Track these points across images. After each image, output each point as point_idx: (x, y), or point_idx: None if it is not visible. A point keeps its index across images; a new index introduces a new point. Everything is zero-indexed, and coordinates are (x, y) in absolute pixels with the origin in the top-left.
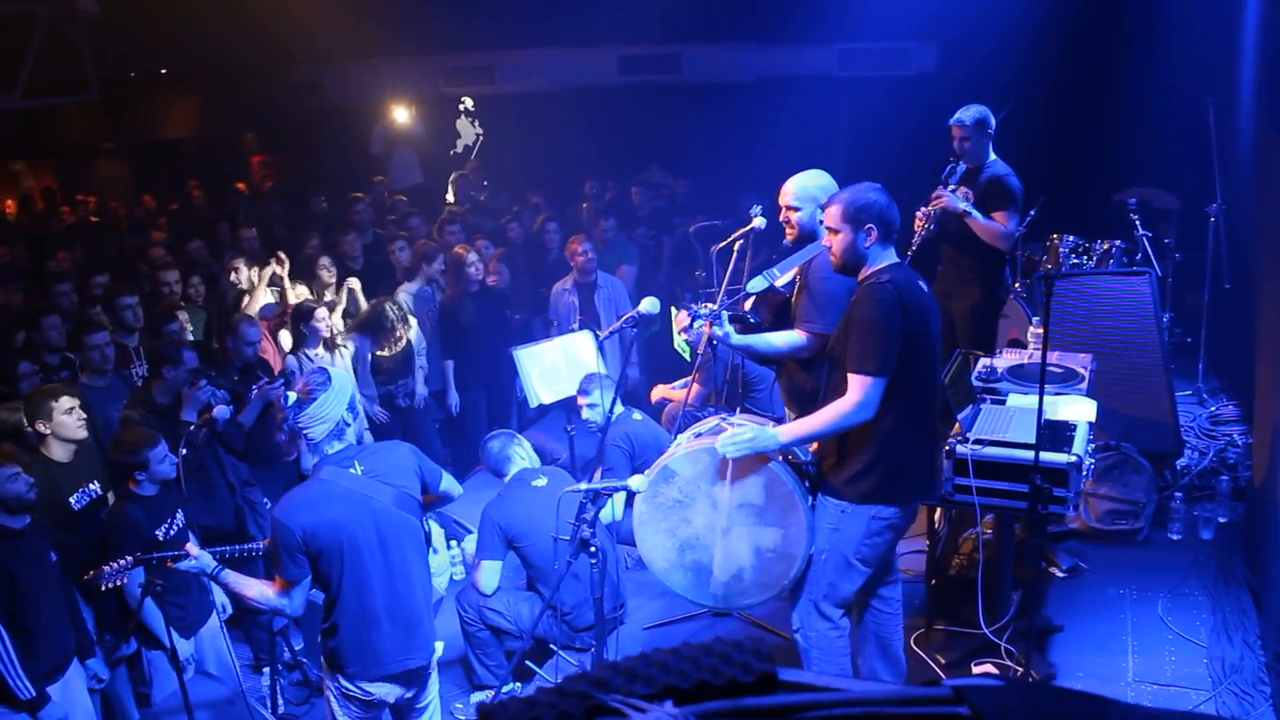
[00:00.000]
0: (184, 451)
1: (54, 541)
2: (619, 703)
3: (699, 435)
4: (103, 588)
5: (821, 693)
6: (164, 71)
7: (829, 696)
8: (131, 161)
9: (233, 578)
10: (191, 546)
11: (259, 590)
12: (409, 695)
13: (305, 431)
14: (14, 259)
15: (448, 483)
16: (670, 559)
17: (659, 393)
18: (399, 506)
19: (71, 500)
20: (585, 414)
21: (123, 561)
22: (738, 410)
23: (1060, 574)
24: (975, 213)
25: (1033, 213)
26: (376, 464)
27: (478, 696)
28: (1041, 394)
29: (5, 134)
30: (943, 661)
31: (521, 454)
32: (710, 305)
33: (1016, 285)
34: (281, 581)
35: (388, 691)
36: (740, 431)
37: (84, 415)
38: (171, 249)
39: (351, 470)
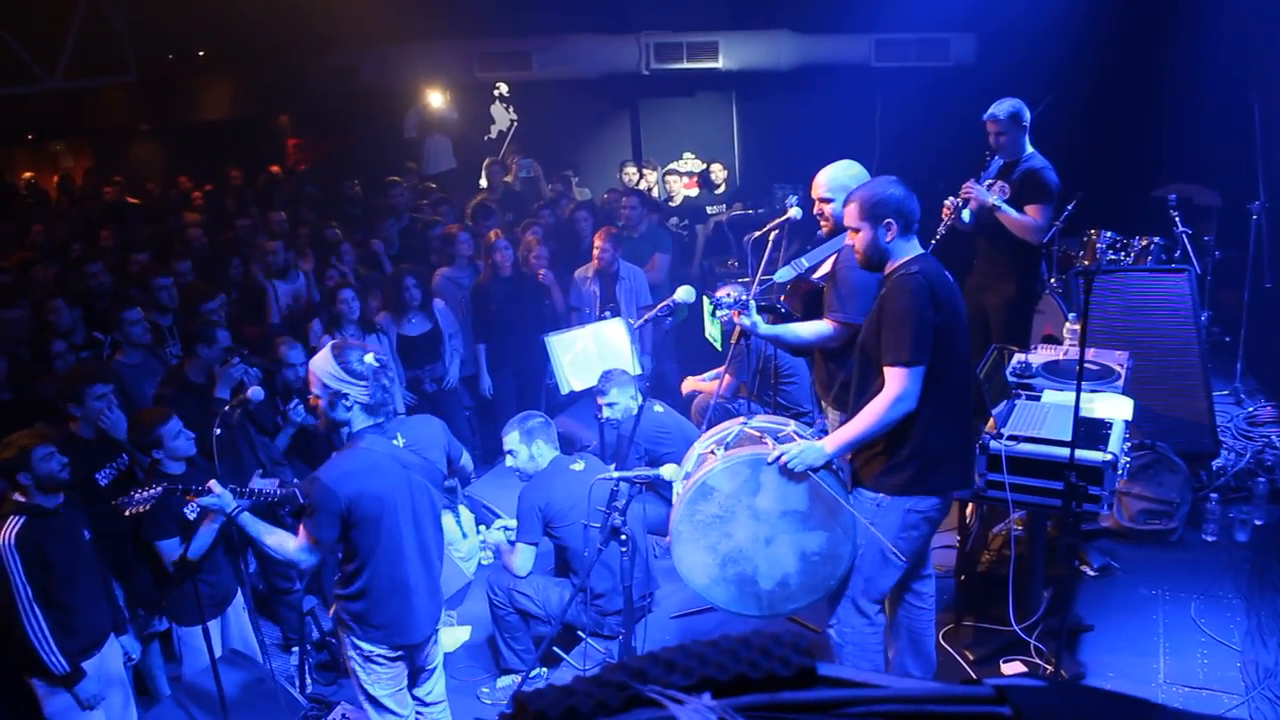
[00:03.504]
0: (218, 431)
1: (88, 519)
2: (657, 694)
3: (726, 444)
4: (126, 512)
5: (861, 689)
6: (201, 54)
7: (869, 693)
8: (168, 143)
9: (251, 521)
10: (214, 484)
11: (278, 539)
12: (420, 658)
13: (344, 398)
14: (50, 238)
15: (467, 459)
16: (713, 575)
17: (689, 385)
18: (429, 479)
19: (99, 476)
20: (605, 413)
21: (151, 490)
22: (769, 405)
23: (1092, 573)
24: (1005, 206)
25: (1070, 208)
26: (414, 436)
27: (504, 681)
28: (1079, 390)
29: (45, 115)
30: (971, 658)
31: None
32: (733, 293)
33: (1052, 281)
34: (311, 538)
35: (406, 655)
36: (788, 448)
37: (114, 401)
38: (207, 230)
39: (394, 441)
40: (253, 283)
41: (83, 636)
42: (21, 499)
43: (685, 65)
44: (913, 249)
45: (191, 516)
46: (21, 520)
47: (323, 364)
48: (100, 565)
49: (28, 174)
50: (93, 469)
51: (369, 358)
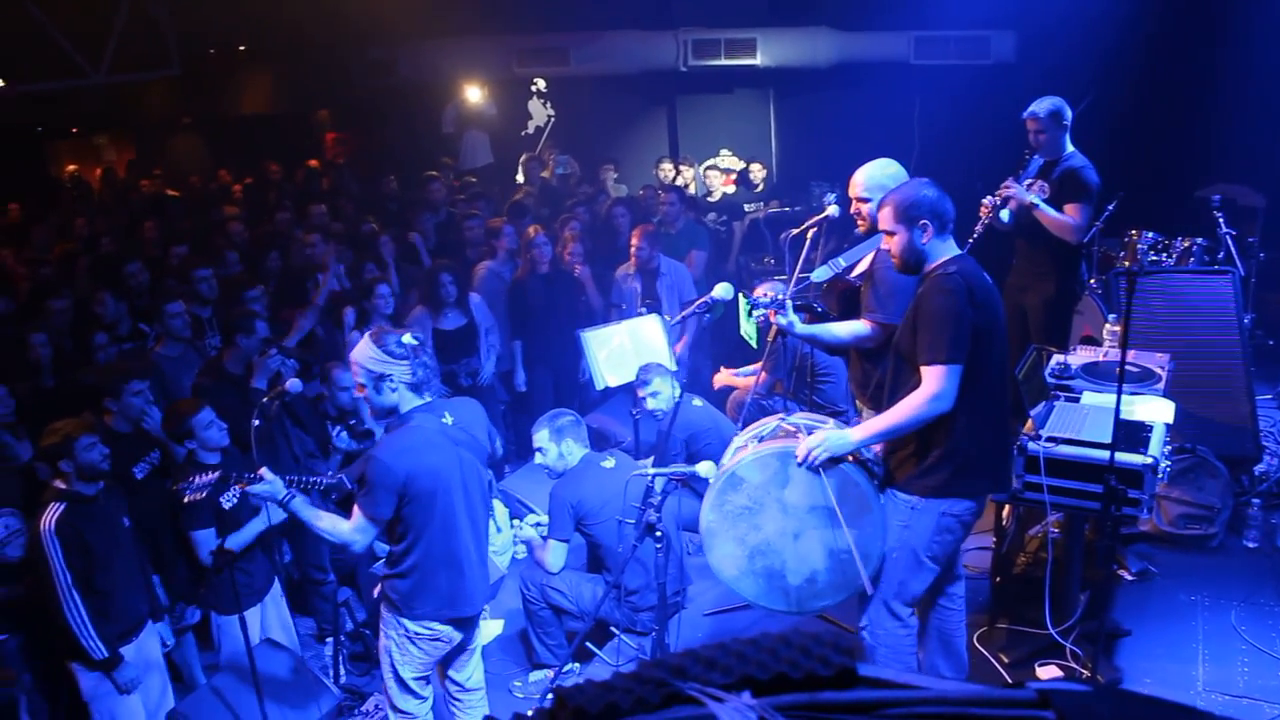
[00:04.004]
0: (257, 422)
1: (127, 508)
2: (696, 691)
3: (761, 438)
4: (186, 498)
5: (902, 690)
6: (242, 48)
7: (910, 694)
8: (209, 136)
9: (303, 507)
10: (265, 471)
11: (330, 522)
12: (463, 638)
13: (388, 379)
14: (93, 231)
15: (500, 445)
16: (741, 567)
17: (722, 378)
18: (478, 457)
19: (135, 470)
20: (649, 404)
21: (209, 476)
22: (805, 403)
23: (1129, 577)
24: (1043, 205)
25: (1110, 207)
26: (461, 415)
27: (536, 675)
28: (1120, 392)
29: (90, 108)
30: (1005, 660)
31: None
32: (770, 291)
33: (1091, 281)
34: (366, 516)
35: (451, 634)
36: (813, 439)
37: (150, 396)
38: (246, 223)
39: (444, 419)
40: (293, 270)
41: (121, 622)
42: (62, 486)
43: (723, 62)
44: (949, 249)
45: (227, 507)
46: (62, 507)
47: (363, 351)
48: (138, 553)
49: (72, 167)
50: (129, 462)
51: (406, 338)
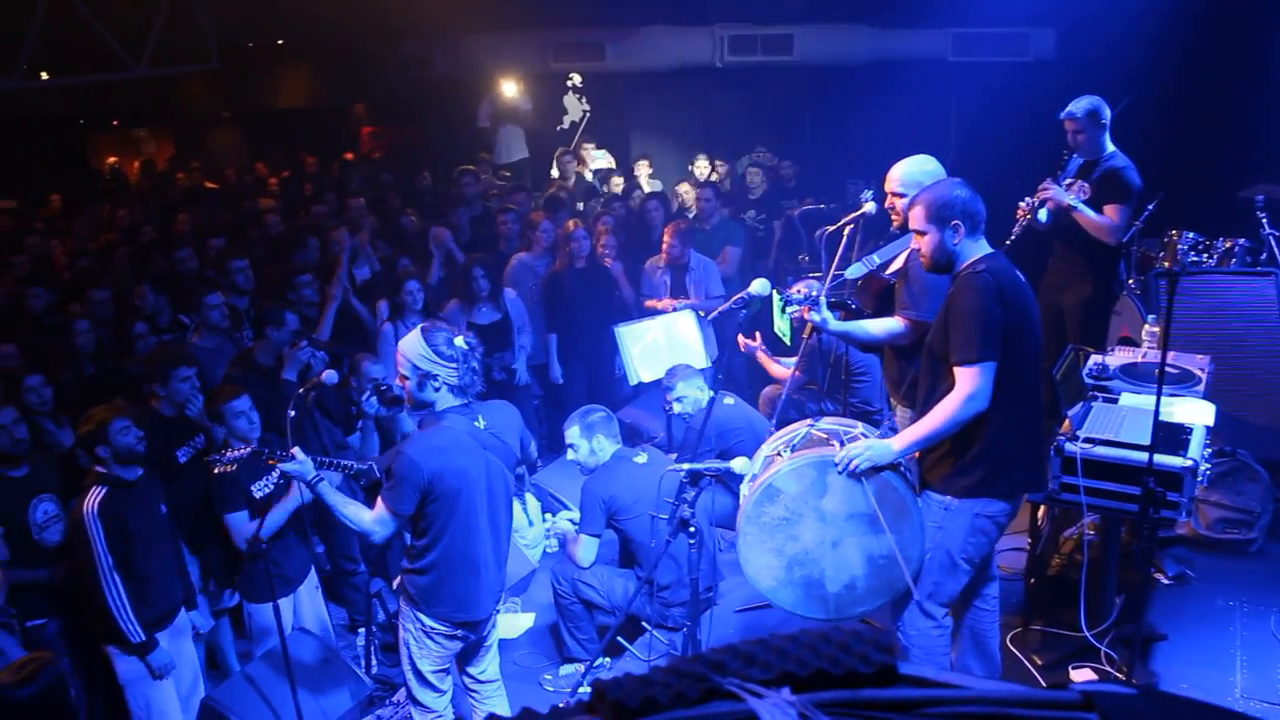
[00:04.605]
0: (292, 413)
1: (164, 494)
2: (736, 686)
3: (793, 447)
4: (216, 470)
5: (944, 689)
6: (280, 43)
7: (951, 693)
8: (246, 130)
9: (329, 491)
10: (297, 451)
11: (354, 510)
12: (477, 634)
13: (433, 379)
14: (133, 221)
15: (534, 448)
16: (779, 577)
17: (761, 358)
18: (505, 462)
19: (179, 454)
20: (675, 409)
21: (241, 450)
22: (840, 401)
23: (1166, 581)
24: (1082, 206)
25: (1150, 207)
26: (494, 420)
27: (567, 669)
28: (1159, 394)
29: (130, 102)
30: (1039, 662)
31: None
32: (804, 289)
33: (1130, 282)
34: (388, 509)
35: (466, 631)
36: (854, 447)
37: (197, 384)
38: (282, 215)
39: (476, 423)
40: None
41: (157, 607)
42: (102, 470)
43: (759, 58)
44: (981, 249)
45: (259, 495)
46: (104, 490)
47: (413, 345)
48: (175, 539)
49: (112, 159)
50: (173, 446)
51: (459, 340)
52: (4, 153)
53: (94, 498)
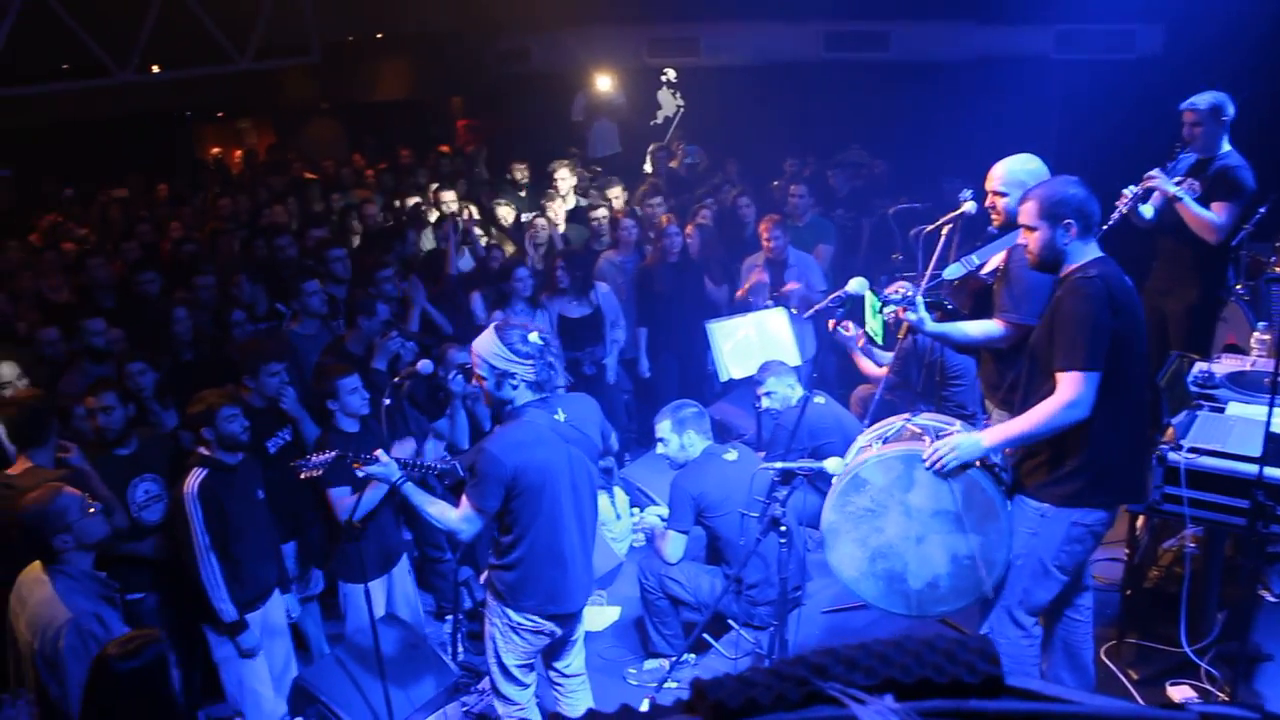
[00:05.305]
0: (387, 401)
1: (262, 481)
2: (838, 691)
3: (885, 439)
4: (302, 475)
5: (1052, 703)
6: (379, 36)
7: (1062, 708)
8: (345, 122)
9: (415, 491)
10: (380, 454)
11: (440, 509)
12: (566, 631)
13: (511, 377)
14: (236, 211)
15: (614, 440)
16: (861, 568)
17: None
18: (587, 454)
19: (268, 444)
20: (764, 403)
21: (325, 455)
22: (934, 403)
23: (1272, 598)
24: (1187, 199)
25: (1262, 210)
26: (573, 412)
27: (651, 664)
28: (1271, 404)
29: (234, 94)
30: (1135, 677)
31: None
32: (902, 289)
33: (1238, 287)
34: (473, 507)
35: (554, 627)
36: (943, 443)
37: (286, 378)
38: (381, 207)
39: (556, 416)
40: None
41: (249, 589)
42: (205, 453)
43: (857, 55)
44: (1091, 251)
45: (360, 475)
46: (205, 472)
47: (487, 344)
48: (269, 524)
49: (215, 149)
50: (263, 437)
51: (533, 336)
52: (117, 145)
53: (195, 479)
